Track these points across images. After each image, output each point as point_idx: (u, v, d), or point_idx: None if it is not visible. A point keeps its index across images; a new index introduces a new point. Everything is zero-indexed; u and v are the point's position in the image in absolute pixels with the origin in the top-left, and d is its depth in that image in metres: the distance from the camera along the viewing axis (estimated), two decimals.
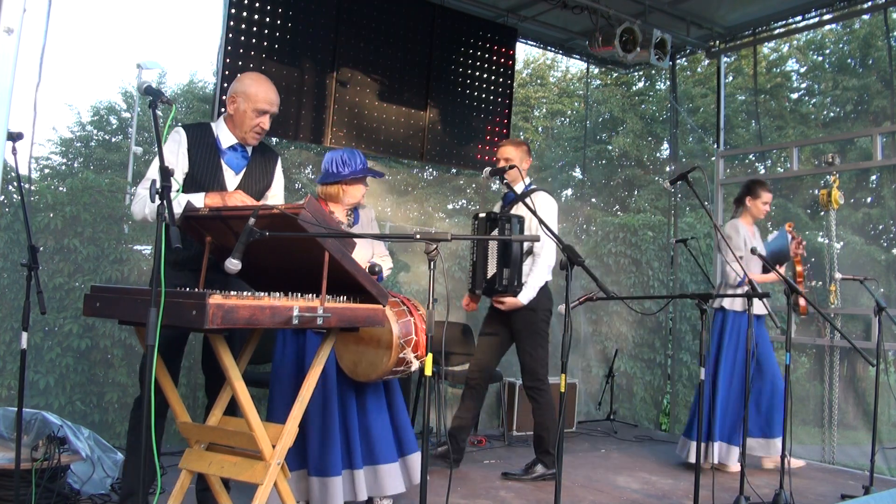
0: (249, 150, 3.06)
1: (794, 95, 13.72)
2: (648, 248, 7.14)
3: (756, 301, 4.33)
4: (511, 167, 3.99)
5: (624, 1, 5.64)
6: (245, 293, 2.22)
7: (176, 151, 2.88)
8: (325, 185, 3.54)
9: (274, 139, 6.48)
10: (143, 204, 2.80)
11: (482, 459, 4.92)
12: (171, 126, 2.82)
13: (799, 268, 4.69)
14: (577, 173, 10.83)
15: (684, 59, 8.77)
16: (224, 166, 2.98)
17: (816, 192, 6.22)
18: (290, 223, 2.34)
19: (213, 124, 3.01)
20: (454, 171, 6.46)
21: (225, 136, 3.00)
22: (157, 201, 2.09)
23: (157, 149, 2.23)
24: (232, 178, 3.02)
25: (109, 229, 4.85)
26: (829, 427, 5.60)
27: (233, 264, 2.15)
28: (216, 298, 2.08)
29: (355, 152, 3.52)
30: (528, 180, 4.37)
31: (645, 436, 6.12)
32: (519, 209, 4.26)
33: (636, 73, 12.01)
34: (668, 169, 8.90)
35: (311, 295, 2.40)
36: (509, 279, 4.15)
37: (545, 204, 4.24)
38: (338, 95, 5.19)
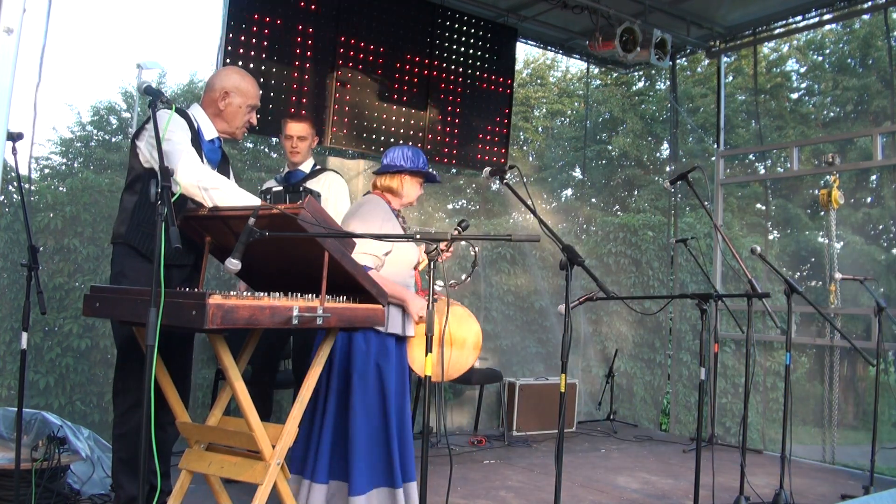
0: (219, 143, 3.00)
1: (794, 95, 13.71)
2: (648, 248, 7.14)
3: None
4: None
5: (624, 1, 5.64)
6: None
7: (187, 137, 2.73)
8: (383, 175, 3.29)
9: (274, 139, 6.48)
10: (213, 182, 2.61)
11: (482, 459, 4.91)
12: (160, 108, 2.56)
13: None
14: (577, 173, 10.82)
15: (684, 59, 8.77)
16: (204, 158, 2.88)
17: (816, 192, 6.22)
18: (290, 223, 2.34)
19: (189, 111, 2.90)
20: (454, 171, 6.46)
21: (207, 126, 2.93)
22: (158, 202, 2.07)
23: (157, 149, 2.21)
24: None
25: (109, 229, 4.81)
26: (829, 427, 5.60)
27: (232, 264, 2.15)
28: (216, 298, 2.08)
29: (417, 151, 3.32)
30: (312, 160, 4.21)
31: (645, 436, 6.12)
32: (315, 186, 4.00)
33: (636, 73, 12.01)
34: (668, 169, 8.90)
35: (310, 295, 2.40)
36: None
37: (338, 186, 4.09)
38: (338, 95, 5.19)
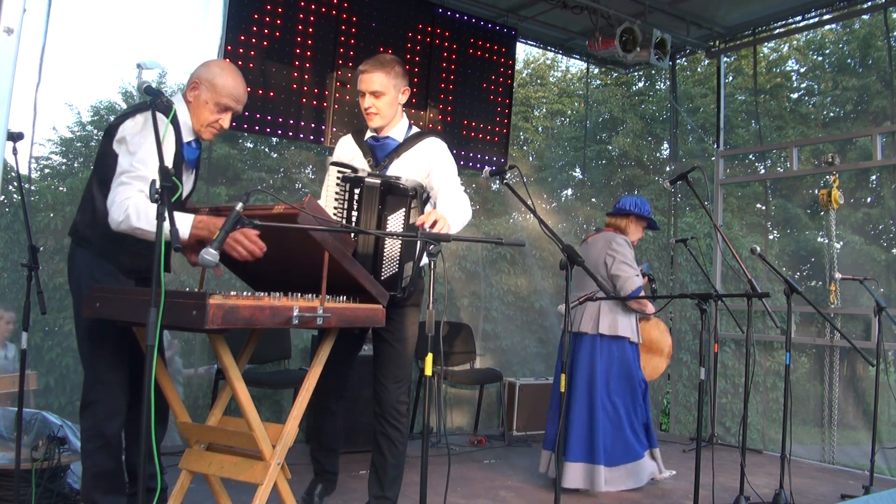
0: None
1: (794, 95, 13.70)
2: (648, 248, 7.14)
3: None
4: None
5: (624, 1, 5.64)
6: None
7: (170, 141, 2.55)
8: (615, 216, 4.44)
9: (274, 139, 6.48)
10: (137, 212, 2.38)
11: (482, 459, 4.91)
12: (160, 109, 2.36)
13: None
14: (577, 173, 10.81)
15: (684, 59, 8.75)
16: (184, 158, 2.68)
17: (816, 192, 6.21)
18: (290, 223, 2.33)
19: (176, 107, 2.59)
20: None
21: (186, 126, 2.68)
22: (158, 202, 2.04)
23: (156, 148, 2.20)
24: (187, 175, 2.77)
25: None
26: (829, 427, 5.60)
27: (209, 254, 1.94)
28: (216, 299, 2.08)
29: (643, 200, 4.49)
30: (405, 120, 3.10)
31: None
32: (402, 166, 3.01)
33: (636, 73, 12.00)
34: (668, 169, 8.89)
35: (311, 295, 2.40)
36: (412, 279, 2.97)
37: (443, 153, 3.08)
38: (338, 95, 5.19)
